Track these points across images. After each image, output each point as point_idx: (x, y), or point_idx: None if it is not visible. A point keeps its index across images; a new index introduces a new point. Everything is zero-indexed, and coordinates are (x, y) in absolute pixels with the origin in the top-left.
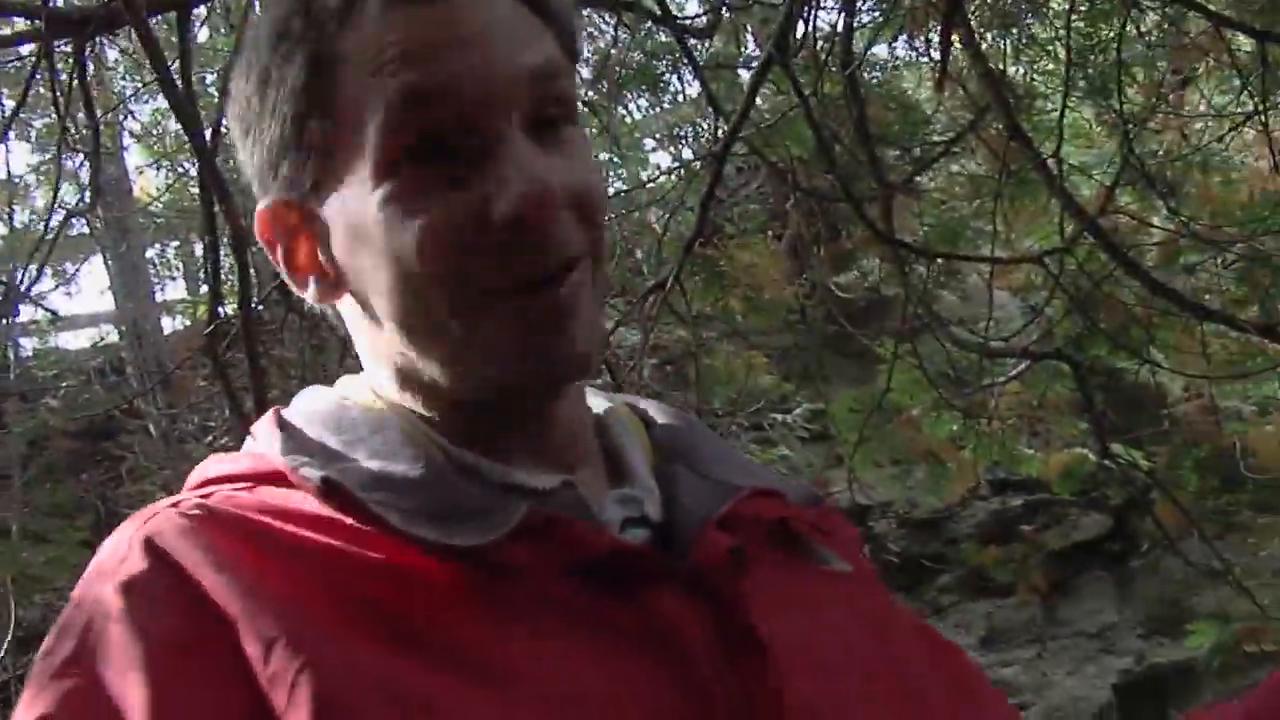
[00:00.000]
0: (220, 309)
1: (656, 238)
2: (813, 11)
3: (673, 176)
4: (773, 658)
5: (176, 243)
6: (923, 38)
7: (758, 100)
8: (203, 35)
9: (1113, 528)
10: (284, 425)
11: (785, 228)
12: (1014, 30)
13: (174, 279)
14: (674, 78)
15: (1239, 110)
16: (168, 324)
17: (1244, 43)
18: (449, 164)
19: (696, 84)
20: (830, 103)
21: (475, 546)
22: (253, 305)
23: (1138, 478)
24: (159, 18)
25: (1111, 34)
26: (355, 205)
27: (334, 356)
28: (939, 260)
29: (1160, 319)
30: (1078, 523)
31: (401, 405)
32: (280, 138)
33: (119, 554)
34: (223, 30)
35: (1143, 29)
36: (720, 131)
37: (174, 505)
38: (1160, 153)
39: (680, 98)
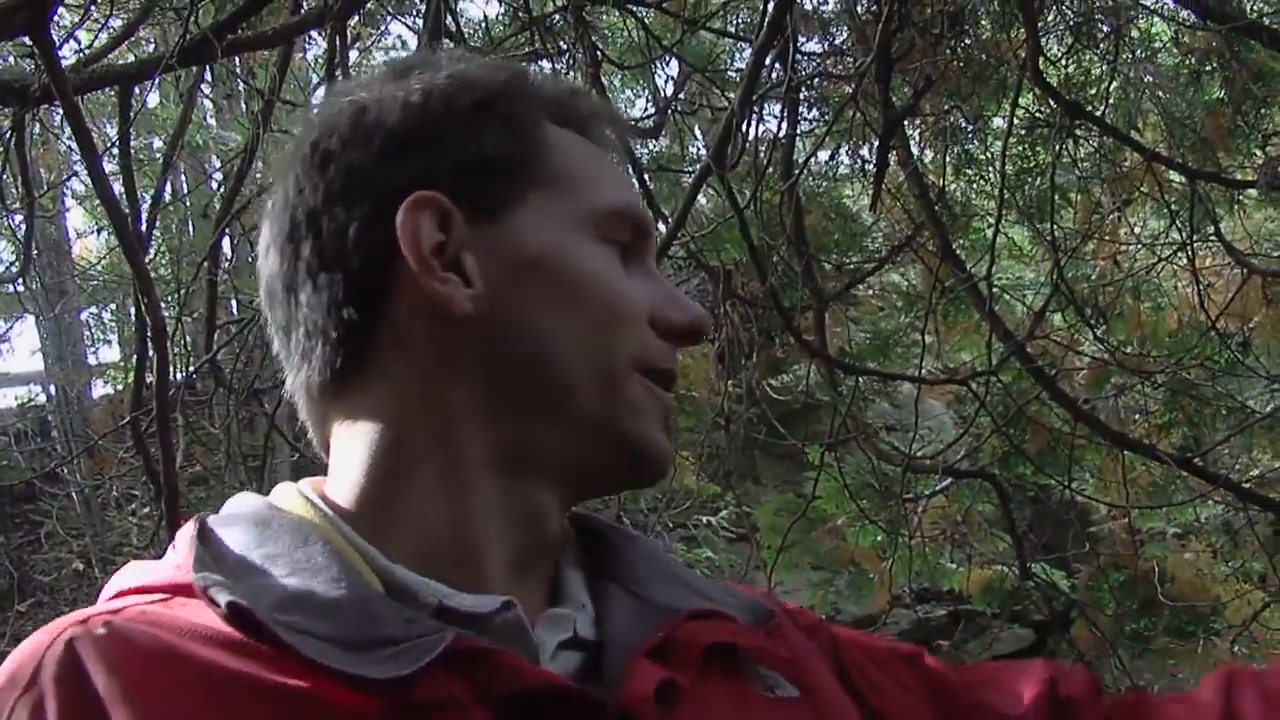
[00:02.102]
0: (146, 384)
1: None
2: (755, 120)
3: None
4: None
5: (113, 306)
6: (864, 151)
7: (702, 200)
8: (153, 99)
9: (1035, 642)
10: (204, 535)
11: (719, 330)
12: (953, 149)
13: (109, 343)
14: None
15: (1169, 241)
16: (98, 388)
17: (1176, 176)
18: (628, 265)
19: (637, 183)
20: (770, 209)
21: (392, 679)
22: (186, 378)
23: (1057, 597)
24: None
25: (1048, 159)
26: (555, 241)
27: (260, 434)
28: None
29: (1084, 442)
30: (999, 636)
31: (352, 502)
32: (477, 156)
33: (27, 669)
34: (172, 99)
35: (1079, 158)
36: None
37: (83, 621)
38: (1092, 277)
39: None
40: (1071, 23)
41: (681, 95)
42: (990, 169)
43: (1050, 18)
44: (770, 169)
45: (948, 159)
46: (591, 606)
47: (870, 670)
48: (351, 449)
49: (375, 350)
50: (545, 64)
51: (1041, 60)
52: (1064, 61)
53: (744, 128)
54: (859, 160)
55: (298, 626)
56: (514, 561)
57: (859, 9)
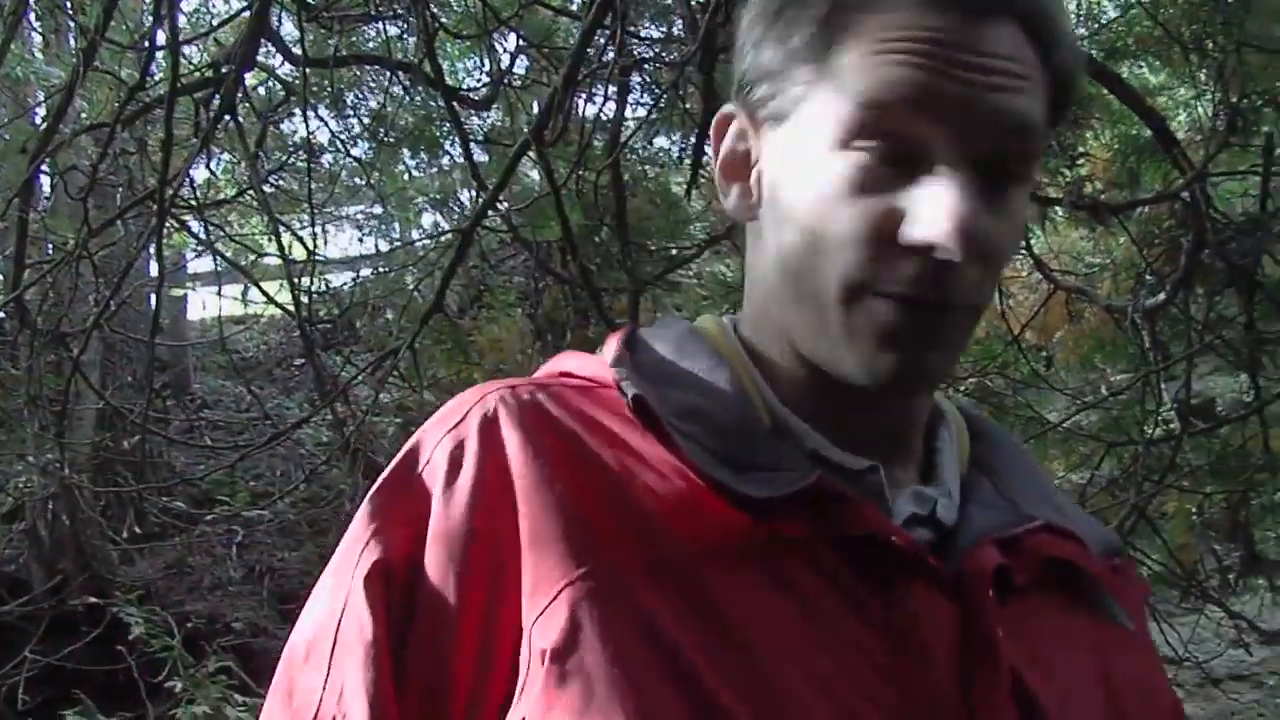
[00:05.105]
0: None
1: (405, 302)
2: (583, 98)
3: (431, 243)
4: (1009, 680)
5: None
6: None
7: (536, 176)
8: None
9: None
10: (631, 341)
11: (536, 306)
12: None
13: None
14: (451, 144)
15: None
16: None
17: None
18: (893, 165)
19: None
20: (597, 190)
21: (759, 499)
22: None
23: None
24: None
25: None
26: (802, 152)
27: (65, 374)
28: None
29: None
30: None
31: (751, 346)
32: (771, 60)
33: (456, 414)
34: None
35: None
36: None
37: (513, 387)
38: None
39: (452, 165)
40: None
41: (521, 70)
42: None
43: None
44: (592, 149)
45: None
46: (958, 494)
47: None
48: (745, 291)
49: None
50: (379, 28)
51: None
52: None
53: (567, 106)
54: (685, 148)
55: (689, 434)
56: (882, 432)
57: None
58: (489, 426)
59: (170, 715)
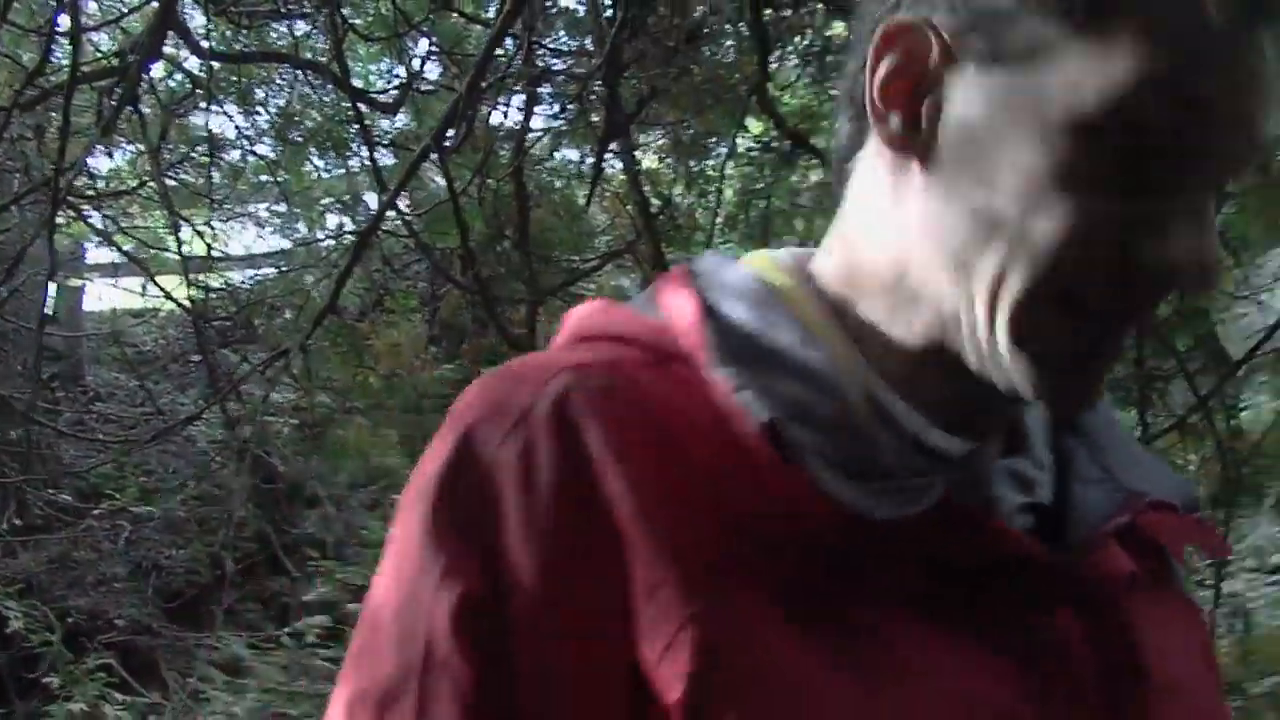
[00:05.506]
0: None
1: (302, 302)
2: (488, 108)
3: (333, 244)
4: (1155, 700)
5: None
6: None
7: (442, 183)
8: None
9: None
10: (709, 312)
11: (434, 313)
12: (684, 162)
13: None
14: (359, 146)
15: None
16: None
17: None
18: (1133, 165)
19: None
20: (500, 199)
21: (884, 520)
22: None
23: None
24: None
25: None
26: (1028, 113)
27: None
28: None
29: None
30: None
31: (839, 303)
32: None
33: (515, 404)
34: None
35: (806, 186)
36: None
37: (576, 368)
38: None
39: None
40: (803, 53)
41: (434, 75)
42: (715, 185)
43: (787, 48)
44: (496, 157)
45: (679, 171)
46: (1052, 464)
47: None
48: (847, 234)
49: (864, 141)
50: (287, 26)
51: (777, 88)
52: (801, 91)
53: (471, 113)
54: (583, 164)
55: (804, 444)
56: (988, 412)
57: (604, 15)
58: (562, 424)
59: (44, 712)
